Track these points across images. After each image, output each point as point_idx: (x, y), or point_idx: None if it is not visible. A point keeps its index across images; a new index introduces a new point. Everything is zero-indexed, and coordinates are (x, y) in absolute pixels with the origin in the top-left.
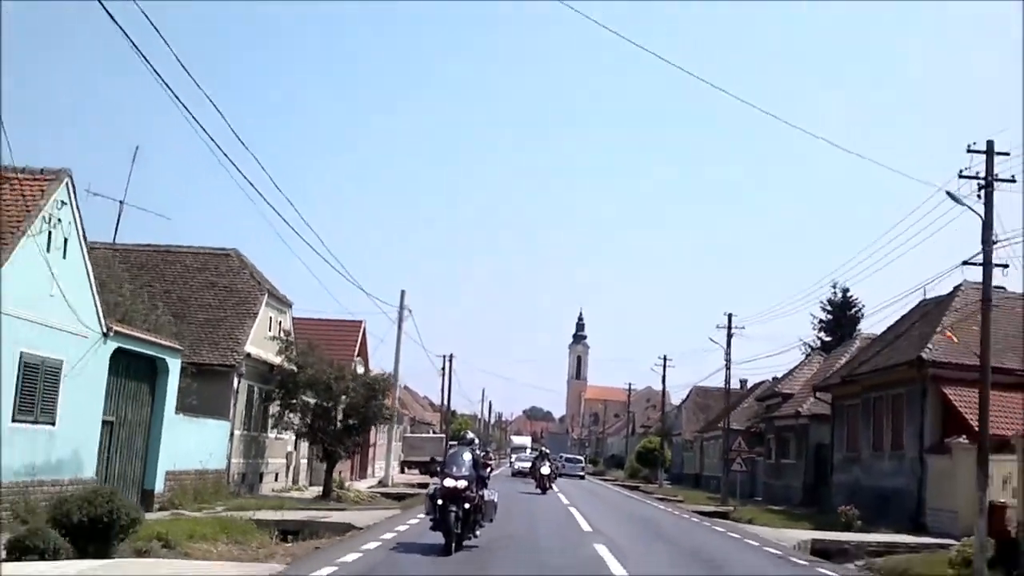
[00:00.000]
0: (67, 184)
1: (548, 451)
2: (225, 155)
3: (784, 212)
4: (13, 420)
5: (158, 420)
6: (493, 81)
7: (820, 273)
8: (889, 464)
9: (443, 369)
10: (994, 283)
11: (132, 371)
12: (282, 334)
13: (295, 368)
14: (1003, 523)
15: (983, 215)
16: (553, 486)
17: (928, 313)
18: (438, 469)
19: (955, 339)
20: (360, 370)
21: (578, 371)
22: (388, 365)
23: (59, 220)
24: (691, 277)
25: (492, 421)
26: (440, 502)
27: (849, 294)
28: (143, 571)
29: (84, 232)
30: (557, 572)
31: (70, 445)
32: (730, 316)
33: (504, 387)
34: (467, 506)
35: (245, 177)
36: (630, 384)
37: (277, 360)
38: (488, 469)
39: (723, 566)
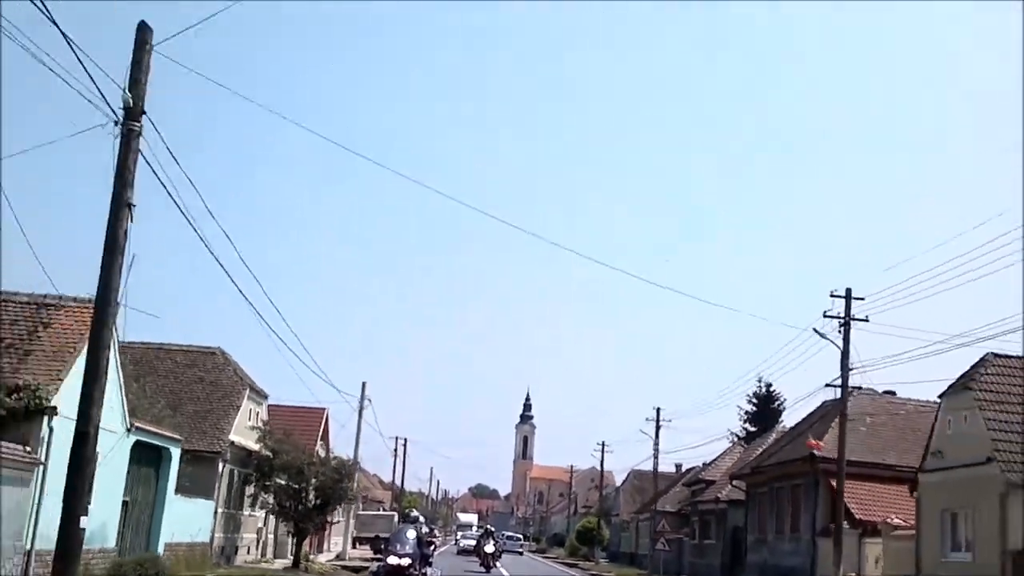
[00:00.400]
0: None
1: (493, 529)
2: (221, 265)
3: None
4: None
5: (161, 500)
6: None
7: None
8: (789, 545)
9: (395, 451)
10: (884, 389)
11: (144, 459)
12: (260, 423)
13: (271, 454)
14: None
15: (842, 347)
16: (497, 564)
17: (827, 414)
18: (383, 547)
19: (818, 445)
20: (322, 453)
21: (524, 451)
22: (347, 447)
23: None
24: (635, 365)
25: (439, 498)
26: None
27: (772, 388)
28: None
29: (117, 346)
30: None
31: (100, 521)
32: (658, 410)
33: (450, 465)
34: None
35: (236, 285)
36: (572, 467)
37: (255, 447)
38: (432, 547)
39: None
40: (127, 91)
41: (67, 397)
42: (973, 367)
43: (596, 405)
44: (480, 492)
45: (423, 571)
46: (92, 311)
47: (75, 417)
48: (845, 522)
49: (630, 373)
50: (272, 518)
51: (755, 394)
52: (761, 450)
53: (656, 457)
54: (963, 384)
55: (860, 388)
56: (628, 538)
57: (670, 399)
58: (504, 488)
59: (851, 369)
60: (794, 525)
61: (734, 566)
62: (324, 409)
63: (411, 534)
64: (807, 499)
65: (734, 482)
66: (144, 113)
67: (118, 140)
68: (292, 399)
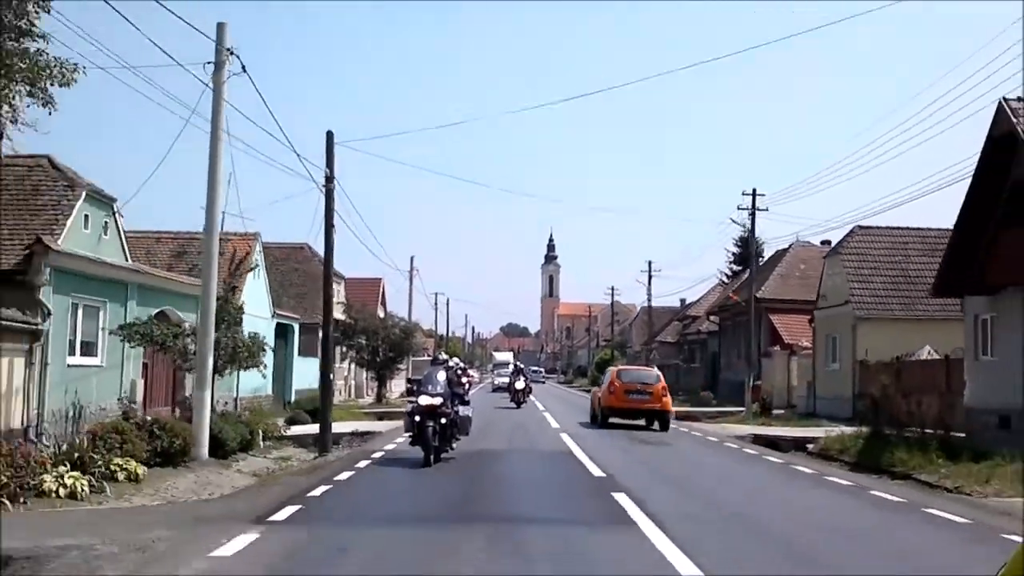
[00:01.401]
0: (259, 239)
1: (523, 366)
2: (305, 166)
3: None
4: (245, 368)
5: (290, 360)
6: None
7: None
8: (744, 364)
9: (435, 306)
10: (821, 239)
11: (280, 333)
12: (345, 300)
13: (352, 321)
14: (759, 395)
15: (749, 229)
16: (528, 398)
17: (773, 262)
18: (415, 389)
19: (735, 297)
20: (381, 314)
21: (550, 290)
22: (398, 305)
23: (257, 260)
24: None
25: (473, 340)
26: (418, 419)
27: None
28: (349, 425)
29: (264, 263)
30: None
31: (261, 378)
32: (650, 263)
33: (482, 304)
34: (443, 421)
35: (320, 188)
36: (590, 307)
37: (341, 316)
38: (467, 385)
39: None
40: (327, 167)
41: (247, 299)
42: (845, 236)
43: (619, 239)
44: (511, 331)
45: (455, 409)
46: (251, 241)
47: (249, 312)
48: (778, 346)
49: (648, 216)
50: (353, 368)
51: (740, 237)
52: (733, 290)
53: (649, 301)
54: (836, 249)
55: (759, 257)
56: None
57: (681, 240)
58: (534, 325)
59: (758, 244)
60: (746, 350)
61: (713, 381)
62: (380, 279)
63: (441, 376)
64: (754, 330)
65: (710, 317)
66: (334, 177)
67: (323, 195)
68: (355, 272)
